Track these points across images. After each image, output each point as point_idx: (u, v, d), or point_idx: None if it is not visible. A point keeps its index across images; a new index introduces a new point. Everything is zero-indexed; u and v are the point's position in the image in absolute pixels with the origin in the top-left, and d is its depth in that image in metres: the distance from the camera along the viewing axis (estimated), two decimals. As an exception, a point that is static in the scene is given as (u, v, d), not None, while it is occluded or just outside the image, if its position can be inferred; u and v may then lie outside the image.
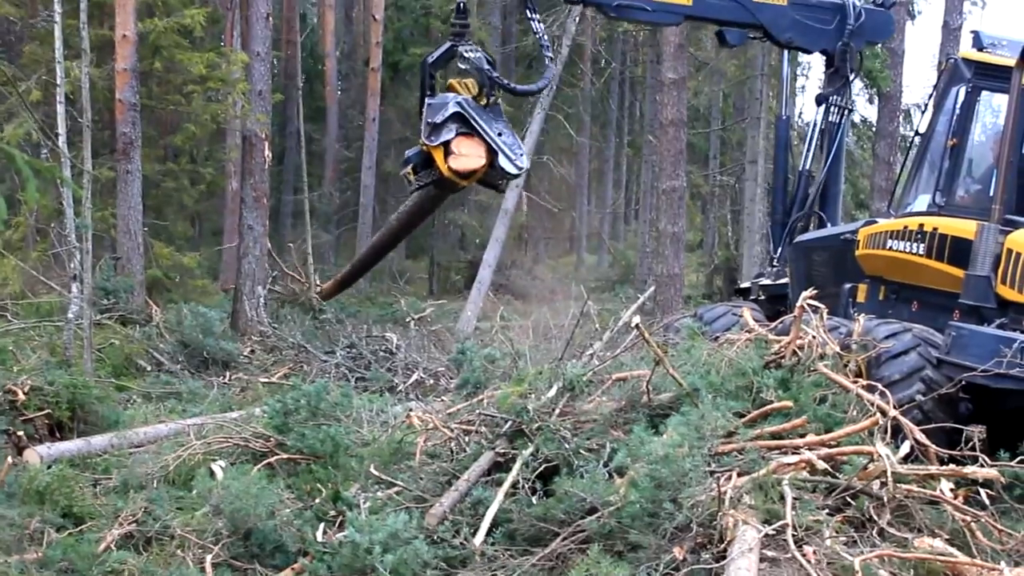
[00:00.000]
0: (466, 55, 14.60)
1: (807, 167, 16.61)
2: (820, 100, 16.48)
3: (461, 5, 14.82)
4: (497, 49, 37.58)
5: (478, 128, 14.12)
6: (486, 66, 14.50)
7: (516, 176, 15.65)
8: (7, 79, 16.37)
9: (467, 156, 13.70)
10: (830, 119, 16.28)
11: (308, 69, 47.37)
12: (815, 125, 16.65)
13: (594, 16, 29.46)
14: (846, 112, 16.28)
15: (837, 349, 10.73)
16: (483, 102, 14.38)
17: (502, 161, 14.38)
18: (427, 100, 14.57)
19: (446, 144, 13.69)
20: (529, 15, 15.29)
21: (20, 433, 12.15)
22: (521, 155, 14.49)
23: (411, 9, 41.30)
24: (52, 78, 17.68)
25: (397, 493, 10.07)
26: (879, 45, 28.04)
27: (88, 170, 16.69)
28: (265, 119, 22.34)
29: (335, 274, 22.54)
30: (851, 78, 16.09)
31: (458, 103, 14.23)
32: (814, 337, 10.64)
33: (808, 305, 10.76)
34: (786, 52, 17.48)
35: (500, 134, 14.20)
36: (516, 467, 9.72)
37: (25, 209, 21.14)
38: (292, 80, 40.13)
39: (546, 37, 15.60)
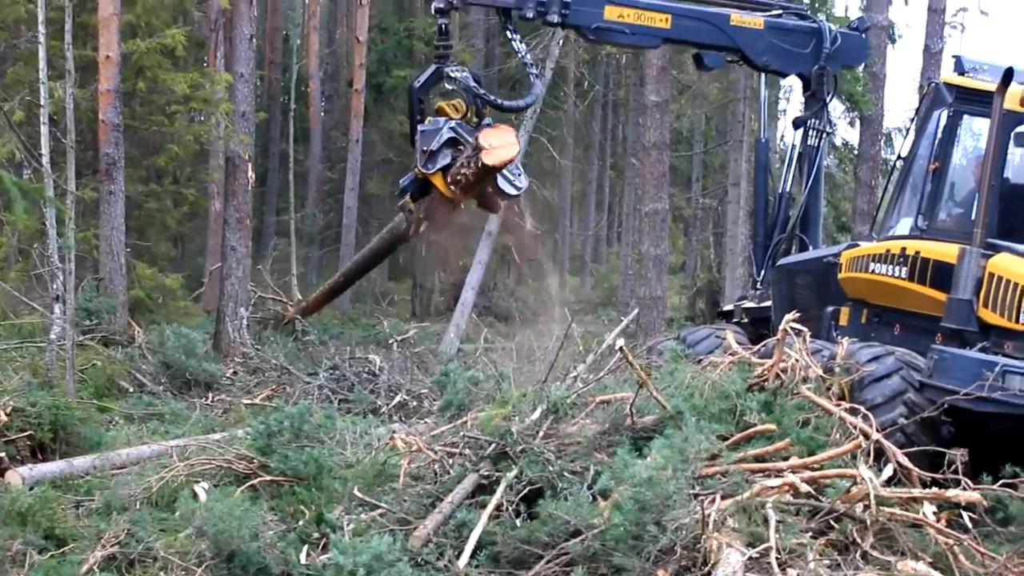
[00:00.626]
0: (452, 75, 14.74)
1: (787, 190, 16.67)
2: (798, 124, 16.54)
3: (443, 27, 14.98)
4: (481, 71, 37.66)
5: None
6: (472, 84, 14.64)
7: (516, 197, 15.72)
8: (-9, 100, 16.37)
9: (500, 148, 13.79)
10: (808, 142, 16.34)
11: (291, 90, 47.47)
12: (794, 148, 16.71)
13: (577, 39, 29.52)
14: (824, 135, 16.32)
15: (820, 372, 10.77)
16: (474, 122, 14.55)
17: (502, 183, 14.53)
18: (419, 127, 14.71)
19: (476, 147, 13.72)
20: (509, 35, 15.38)
21: (2, 455, 12.05)
22: (519, 175, 14.68)
23: (394, 31, 41.39)
24: (36, 98, 17.64)
25: (381, 515, 10.06)
26: (861, 68, 28.22)
27: (71, 190, 16.67)
28: (248, 140, 22.33)
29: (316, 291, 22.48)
30: (828, 101, 16.15)
31: (451, 128, 14.43)
32: (797, 360, 10.68)
33: (791, 328, 10.80)
34: (764, 76, 17.54)
35: None
36: (500, 489, 9.71)
37: (7, 229, 21.09)
38: (275, 101, 40.22)
39: (528, 55, 15.75)
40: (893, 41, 31.81)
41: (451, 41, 15.46)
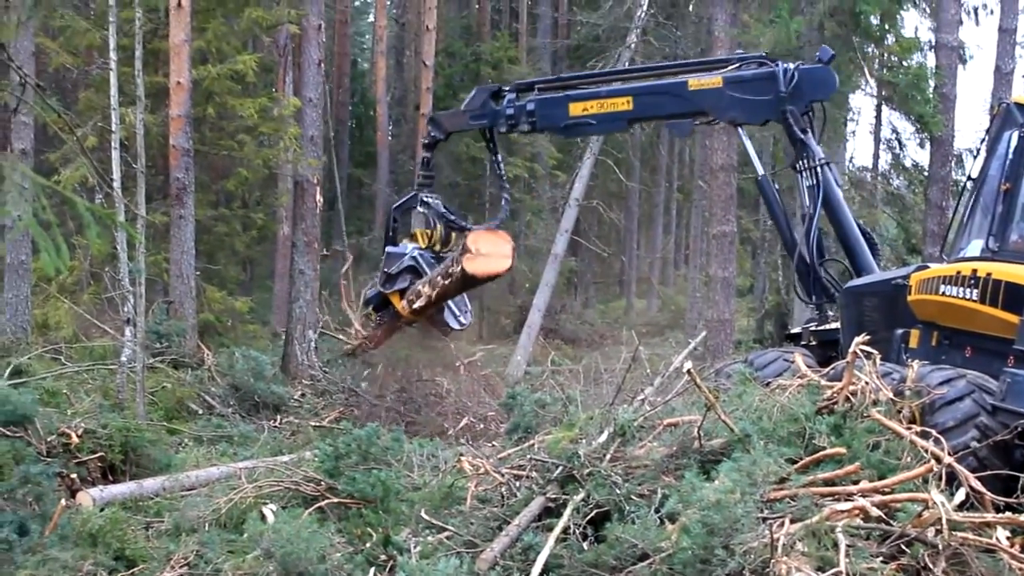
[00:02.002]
0: (425, 200, 16.41)
1: (809, 214, 16.48)
2: (792, 167, 16.45)
3: (426, 160, 16.98)
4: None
5: None
6: (443, 210, 16.29)
7: (459, 330, 17.45)
8: (64, 125, 16.56)
9: (488, 257, 14.33)
10: (807, 183, 16.19)
11: (359, 114, 47.76)
12: (800, 192, 16.61)
13: (644, 60, 29.59)
14: (818, 170, 16.08)
15: (890, 395, 10.65)
16: (437, 248, 16.20)
17: (446, 315, 15.78)
18: (388, 248, 16.47)
19: (463, 249, 14.14)
20: (492, 156, 16.79)
21: (73, 476, 12.20)
22: (466, 312, 16.55)
23: (461, 55, 41.64)
24: (107, 124, 17.89)
25: (448, 538, 10.05)
26: (931, 89, 28.02)
27: (142, 215, 16.86)
28: (316, 164, 22.50)
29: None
30: (805, 139, 15.96)
31: (413, 257, 16.01)
32: (867, 383, 10.57)
33: (861, 351, 10.71)
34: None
35: None
36: (567, 512, 9.68)
37: (79, 253, 21.35)
38: (343, 125, 40.48)
39: (506, 176, 17.13)
40: (964, 62, 31.55)
41: (433, 173, 16.90)
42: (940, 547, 8.23)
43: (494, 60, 39.95)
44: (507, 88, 16.43)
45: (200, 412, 18.29)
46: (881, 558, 8.15)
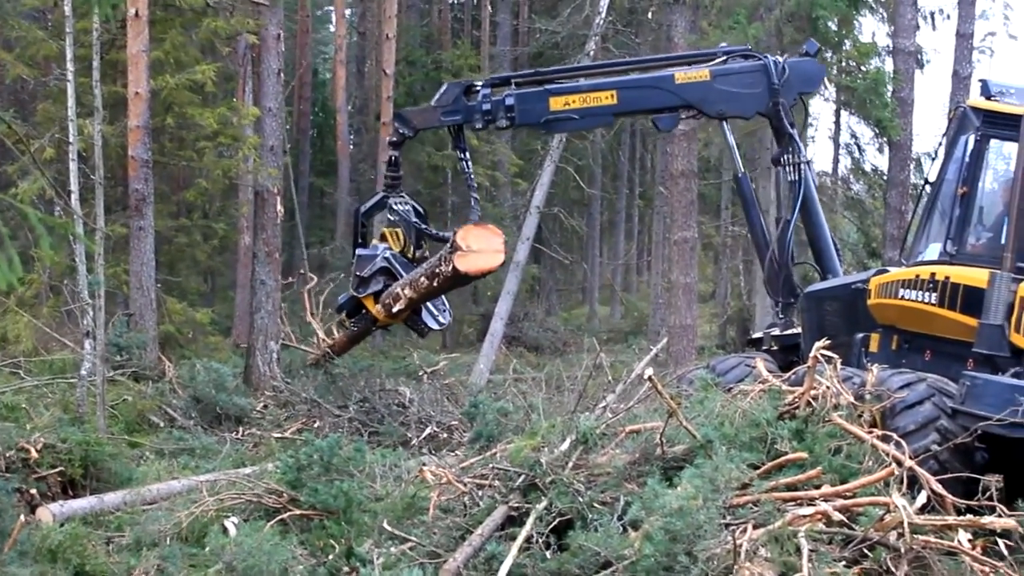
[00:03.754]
0: (395, 207, 16.01)
1: (783, 215, 16.55)
2: (775, 162, 16.51)
3: (393, 159, 16.50)
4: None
5: None
6: (414, 219, 16.04)
7: (439, 330, 17.42)
8: (20, 138, 16.45)
9: (480, 253, 13.77)
10: (789, 178, 16.25)
11: (320, 124, 47.68)
12: (778, 185, 16.67)
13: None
14: (801, 167, 16.16)
15: (851, 399, 10.69)
16: (410, 255, 15.86)
17: (425, 316, 15.35)
18: (358, 251, 16.05)
19: (453, 245, 13.34)
20: (460, 155, 16.10)
21: (33, 491, 12.10)
22: (444, 311, 15.77)
23: (422, 64, 41.58)
24: (65, 136, 17.76)
25: (411, 548, 10.01)
26: (889, 93, 28.19)
27: (101, 227, 16.74)
28: (277, 174, 22.41)
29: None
30: (793, 133, 16.03)
31: (386, 258, 15.66)
32: (828, 387, 10.61)
33: (821, 355, 10.74)
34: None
35: None
36: (530, 521, 9.67)
37: (38, 266, 21.21)
38: (304, 135, 40.38)
39: (473, 177, 16.28)
40: (921, 66, 31.74)
41: (400, 173, 16.41)
42: (902, 550, 8.27)
43: (455, 68, 39.88)
44: (480, 83, 16.00)
45: (161, 425, 18.17)
46: (844, 562, 8.19)
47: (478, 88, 15.78)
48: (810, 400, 10.61)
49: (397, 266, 15.63)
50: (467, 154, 16.05)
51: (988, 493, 9.23)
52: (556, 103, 15.46)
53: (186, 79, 23.62)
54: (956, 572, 8.36)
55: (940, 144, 13.79)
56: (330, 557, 10.20)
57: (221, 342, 27.11)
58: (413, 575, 8.80)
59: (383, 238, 15.99)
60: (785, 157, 16.07)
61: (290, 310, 24.22)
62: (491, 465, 11.37)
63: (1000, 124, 12.32)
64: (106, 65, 21.88)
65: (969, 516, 8.91)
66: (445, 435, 18.20)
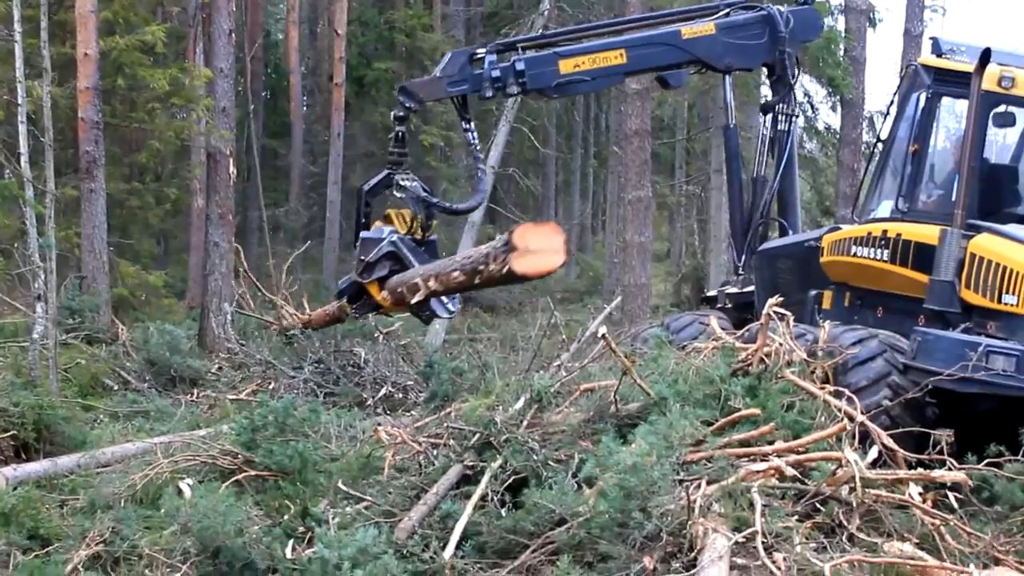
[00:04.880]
0: (402, 183, 15.12)
1: (762, 174, 16.68)
2: (766, 109, 16.61)
3: (400, 134, 15.42)
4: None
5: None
6: (423, 193, 15.01)
7: (447, 319, 16.65)
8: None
9: (538, 254, 11.39)
10: (779, 127, 16.36)
11: (273, 85, 47.38)
12: (764, 134, 16.74)
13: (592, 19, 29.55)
14: (793, 118, 16.31)
15: (804, 356, 10.77)
16: (419, 235, 14.97)
17: (435, 304, 14.64)
18: (362, 234, 15.06)
19: (508, 244, 11.41)
20: (464, 125, 15.65)
21: (-14, 455, 12.06)
22: (454, 299, 14.93)
23: (375, 24, 41.36)
24: (13, 98, 17.54)
25: (366, 508, 10.03)
26: (841, 52, 28.27)
27: (51, 190, 16.58)
28: (229, 135, 22.28)
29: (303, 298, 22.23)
30: (793, 84, 16.16)
31: (392, 243, 14.70)
32: (781, 344, 10.67)
33: (774, 312, 10.80)
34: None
35: None
36: (485, 480, 9.69)
37: (-12, 230, 21.05)
38: (257, 96, 40.12)
39: (479, 148, 16.15)
40: (873, 25, 31.87)
41: (407, 149, 15.65)
42: (854, 504, 8.34)
43: (408, 28, 39.72)
44: (483, 51, 15.51)
45: (115, 388, 18.09)
46: (796, 517, 8.25)
47: (482, 56, 15.35)
48: (763, 357, 10.67)
49: (405, 250, 14.79)
50: (472, 124, 15.70)
51: (939, 448, 9.32)
52: (566, 65, 15.24)
53: (136, 40, 23.43)
54: (907, 525, 8.44)
55: (892, 102, 13.87)
56: (286, 518, 10.18)
57: (175, 304, 26.97)
58: (368, 535, 8.79)
59: (387, 220, 15.37)
60: (780, 107, 16.18)
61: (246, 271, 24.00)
62: (446, 424, 11.38)
63: (951, 82, 12.38)
64: (55, 25, 21.68)
65: (920, 470, 9.00)
66: (400, 395, 18.22)
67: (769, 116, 16.53)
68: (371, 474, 10.82)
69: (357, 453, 11.45)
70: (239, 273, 22.86)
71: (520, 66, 15.06)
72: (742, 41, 15.82)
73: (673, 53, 15.67)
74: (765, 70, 16.74)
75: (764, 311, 10.82)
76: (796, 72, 16.32)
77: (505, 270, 11.57)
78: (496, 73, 15.04)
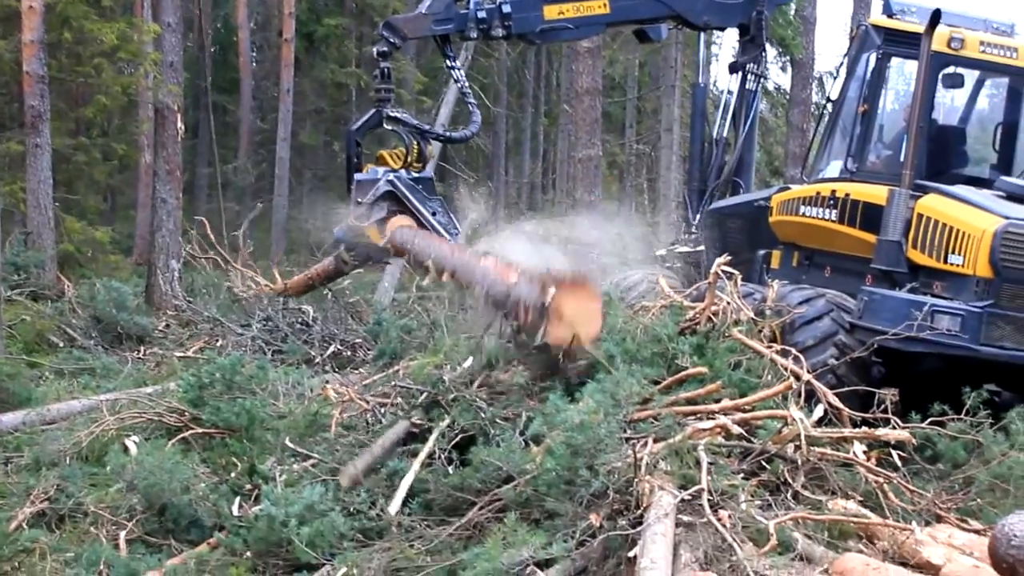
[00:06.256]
0: (392, 115, 14.76)
1: (723, 134, 16.76)
2: (735, 68, 16.64)
3: (385, 71, 14.92)
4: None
5: (411, 208, 14.05)
6: (413, 120, 14.70)
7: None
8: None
9: (574, 321, 9.88)
10: (747, 87, 16.44)
11: (221, 40, 46.94)
12: (730, 93, 16.80)
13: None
14: (760, 79, 16.43)
15: (751, 314, 10.83)
16: (415, 167, 14.61)
17: None
18: (356, 176, 14.67)
19: (544, 306, 9.85)
20: (449, 64, 15.46)
21: (-71, 412, 11.95)
22: (456, 234, 14.32)
23: (325, -22, 41.04)
24: (-44, 50, 17.37)
25: (313, 465, 10.02)
26: (792, 12, 28.32)
27: (-6, 144, 16.42)
28: (177, 90, 22.07)
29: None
30: (765, 45, 16.27)
31: (389, 181, 14.26)
32: (728, 303, 10.71)
33: (722, 271, 10.84)
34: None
35: (434, 213, 14.19)
36: (432, 437, 9.70)
37: (-67, 185, 20.80)
38: (205, 51, 39.74)
39: (467, 84, 15.89)
40: (824, -16, 31.89)
41: (392, 85, 15.31)
42: (799, 462, 8.39)
43: (357, -17, 39.45)
44: None
45: (61, 345, 17.91)
46: (742, 475, 8.29)
47: None
48: (711, 316, 10.72)
49: (403, 188, 14.35)
50: (457, 62, 15.59)
51: (883, 407, 9.39)
52: (550, 11, 15.13)
53: (82, -7, 23.12)
54: (851, 483, 8.50)
55: (842, 62, 13.93)
56: (232, 475, 10.17)
57: (122, 261, 26.76)
58: (315, 492, 8.78)
59: (380, 161, 15.05)
60: (750, 66, 16.22)
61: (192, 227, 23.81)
62: (394, 383, 11.40)
63: (901, 42, 12.44)
64: (-2, -23, 21.38)
65: (864, 428, 9.07)
66: (349, 353, 18.14)
67: (736, 76, 16.58)
68: (318, 431, 10.80)
69: (304, 411, 11.41)
70: (208, 243, 22.64)
71: (506, 8, 14.90)
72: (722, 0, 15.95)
73: (655, 7, 15.68)
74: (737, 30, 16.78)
75: (712, 270, 10.86)
76: (769, 35, 16.39)
77: (536, 336, 10.09)
78: (482, 14, 14.86)
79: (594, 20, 15.49)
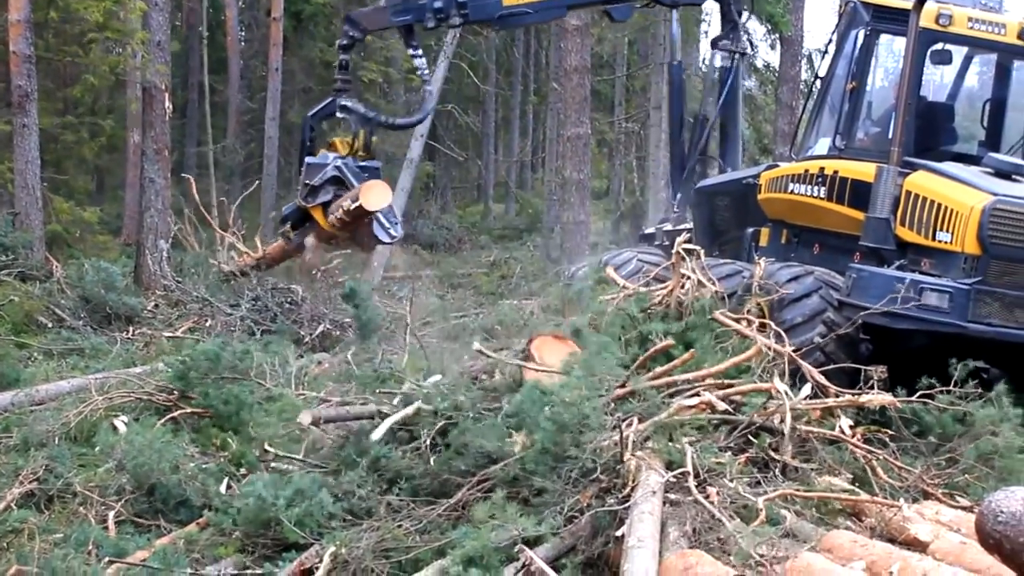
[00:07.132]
0: (345, 104, 15.46)
1: (705, 112, 16.73)
2: (714, 44, 16.61)
3: (344, 62, 15.72)
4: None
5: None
6: (363, 109, 15.49)
7: (388, 244, 16.92)
8: None
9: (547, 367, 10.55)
10: (722, 63, 16.40)
11: (209, 20, 46.77)
12: (711, 70, 16.82)
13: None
14: (738, 55, 16.36)
15: (720, 290, 10.93)
16: (361, 155, 15.37)
17: (377, 229, 14.79)
18: (307, 159, 15.43)
19: (527, 351, 10.87)
20: (412, 52, 15.80)
21: (-83, 393, 11.94)
22: (395, 224, 15.33)
23: (313, -43, 40.87)
24: (-58, 30, 17.29)
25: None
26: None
27: (-19, 124, 16.36)
28: (165, 70, 21.99)
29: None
30: (740, 21, 16.19)
31: (337, 167, 15.11)
32: (692, 280, 10.82)
33: (684, 250, 10.97)
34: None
35: None
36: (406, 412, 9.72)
37: (-81, 166, 20.72)
38: (193, 30, 39.61)
39: (427, 72, 16.34)
40: (813, -38, 31.85)
41: (350, 77, 16.03)
42: (785, 434, 8.39)
43: (346, -37, 39.30)
44: None
45: (50, 325, 17.87)
46: (729, 451, 8.30)
47: None
48: (679, 297, 10.78)
49: (349, 174, 15.19)
50: (420, 50, 15.78)
51: (871, 383, 9.40)
52: None
53: (69, -29, 23.02)
54: (839, 460, 8.51)
55: (831, 40, 13.90)
56: (222, 459, 10.20)
57: (110, 241, 26.74)
58: (305, 479, 8.82)
59: (332, 147, 15.53)
60: (726, 42, 16.19)
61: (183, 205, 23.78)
62: (377, 390, 11.41)
63: (889, 19, 12.41)
64: (-16, -43, 21.28)
65: (847, 397, 9.09)
66: (338, 333, 18.15)
67: (717, 53, 16.57)
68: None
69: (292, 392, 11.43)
70: (199, 216, 22.64)
71: None
72: None
73: None
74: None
75: (674, 250, 10.93)
76: (742, 9, 16.32)
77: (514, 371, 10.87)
78: (438, 3, 15.03)
79: (554, 3, 15.60)
